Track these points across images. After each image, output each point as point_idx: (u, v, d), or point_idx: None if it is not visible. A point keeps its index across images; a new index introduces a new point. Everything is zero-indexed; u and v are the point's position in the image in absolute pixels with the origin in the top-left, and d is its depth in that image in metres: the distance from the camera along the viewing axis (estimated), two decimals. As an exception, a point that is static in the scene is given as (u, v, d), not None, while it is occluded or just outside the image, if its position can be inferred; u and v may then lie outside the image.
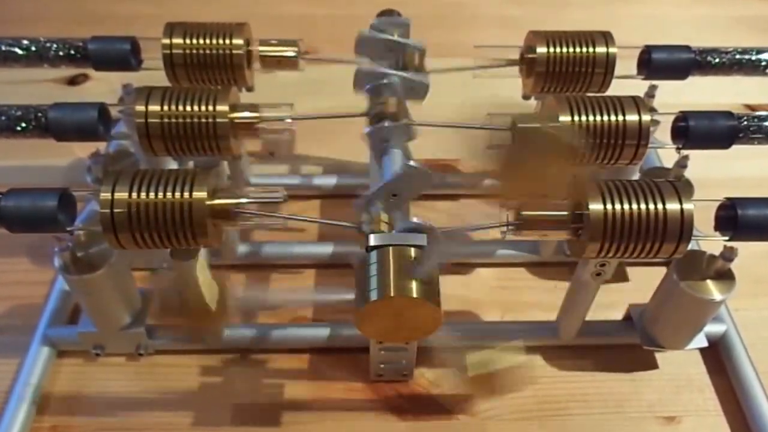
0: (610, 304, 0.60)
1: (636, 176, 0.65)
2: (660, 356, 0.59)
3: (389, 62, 0.56)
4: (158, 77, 0.58)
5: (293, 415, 0.56)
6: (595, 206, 0.45)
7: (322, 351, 0.59)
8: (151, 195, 0.44)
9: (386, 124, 0.51)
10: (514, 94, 0.61)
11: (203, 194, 0.44)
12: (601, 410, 0.56)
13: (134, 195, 0.44)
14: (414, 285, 0.42)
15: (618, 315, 0.60)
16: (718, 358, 0.59)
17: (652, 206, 0.45)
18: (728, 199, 0.48)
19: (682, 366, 0.59)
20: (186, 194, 0.44)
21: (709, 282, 0.51)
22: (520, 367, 0.58)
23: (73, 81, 0.86)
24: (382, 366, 0.56)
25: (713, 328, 0.59)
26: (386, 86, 0.54)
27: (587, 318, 0.56)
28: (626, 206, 0.45)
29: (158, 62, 0.58)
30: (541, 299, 0.63)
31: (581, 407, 0.56)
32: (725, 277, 0.51)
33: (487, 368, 0.55)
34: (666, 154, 0.70)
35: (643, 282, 0.63)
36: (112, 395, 0.56)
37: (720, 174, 0.65)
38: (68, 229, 0.46)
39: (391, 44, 0.56)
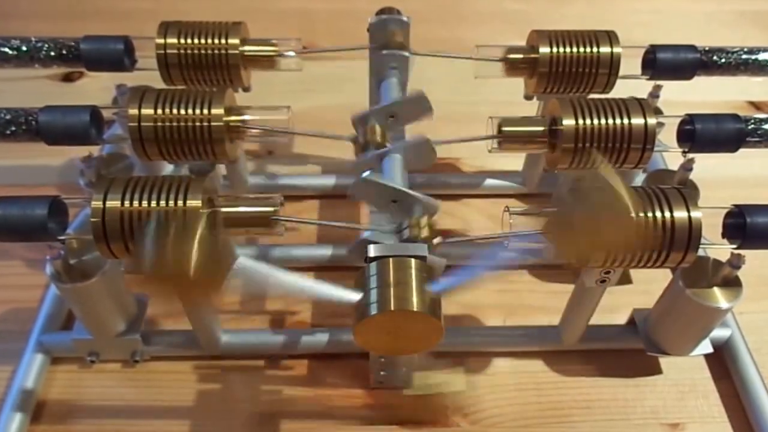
0: (613, 306, 0.59)
1: (640, 179, 0.64)
2: (664, 361, 0.58)
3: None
4: (153, 76, 0.57)
5: (292, 422, 0.55)
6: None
7: (322, 357, 0.58)
8: (144, 203, 0.43)
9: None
10: (516, 93, 0.60)
11: (197, 202, 0.43)
12: (605, 417, 0.55)
13: (127, 203, 0.43)
14: (415, 298, 0.41)
15: (621, 318, 0.59)
16: (723, 363, 0.58)
17: (659, 214, 0.43)
18: (736, 206, 0.47)
19: (686, 371, 0.58)
20: (180, 203, 0.43)
21: (715, 289, 0.50)
22: (522, 374, 0.57)
23: (68, 77, 0.84)
24: (382, 373, 0.55)
25: (718, 332, 0.58)
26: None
27: (590, 322, 0.55)
28: (633, 214, 0.44)
29: (153, 61, 0.57)
30: (543, 303, 0.62)
31: (584, 414, 0.55)
32: (732, 284, 0.50)
33: (430, 391, 0.55)
34: (669, 154, 0.69)
35: (647, 283, 0.62)
36: (107, 402, 0.56)
37: (722, 173, 0.64)
38: (59, 237, 0.45)
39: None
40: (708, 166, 0.56)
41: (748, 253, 0.49)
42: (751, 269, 0.50)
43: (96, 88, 0.78)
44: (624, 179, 0.42)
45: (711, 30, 0.95)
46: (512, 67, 0.59)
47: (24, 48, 0.58)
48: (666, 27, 0.95)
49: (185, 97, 0.50)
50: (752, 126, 0.52)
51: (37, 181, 0.72)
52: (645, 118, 0.49)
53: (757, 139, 0.52)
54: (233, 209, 0.45)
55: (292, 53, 0.60)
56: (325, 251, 0.64)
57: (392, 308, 0.41)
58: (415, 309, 0.41)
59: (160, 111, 0.49)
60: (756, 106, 0.83)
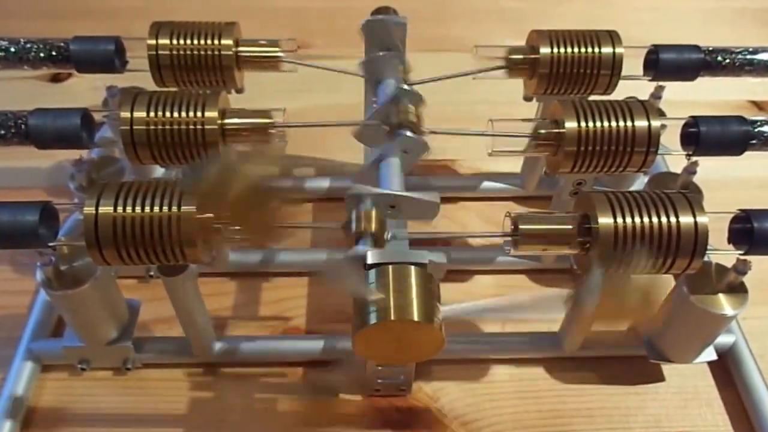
0: (614, 312, 0.58)
1: (642, 182, 0.63)
2: (666, 368, 0.57)
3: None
4: (143, 76, 0.56)
5: (287, 430, 0.54)
6: (605, 220, 0.43)
7: (317, 364, 0.57)
8: (138, 209, 0.42)
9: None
10: (515, 94, 0.59)
11: (192, 208, 0.42)
12: (606, 425, 0.54)
13: (119, 209, 0.42)
14: (415, 307, 0.40)
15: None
16: (727, 370, 0.57)
17: (664, 219, 0.43)
18: (742, 210, 0.46)
19: (689, 378, 0.57)
20: (174, 208, 0.42)
21: (720, 296, 0.49)
22: (521, 381, 0.56)
23: (55, 78, 0.83)
24: (379, 381, 0.54)
25: (721, 339, 0.57)
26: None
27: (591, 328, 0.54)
28: (637, 220, 0.43)
29: (144, 62, 0.56)
30: (543, 307, 0.61)
31: (585, 422, 0.54)
32: (737, 290, 0.49)
33: None
34: (669, 155, 0.68)
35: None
36: (98, 410, 0.54)
37: (725, 175, 0.63)
38: (50, 244, 0.44)
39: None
40: (710, 168, 0.55)
41: (751, 257, 0.48)
42: (754, 273, 0.49)
43: (84, 89, 0.77)
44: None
45: (710, 28, 0.94)
46: (512, 68, 0.58)
47: (12, 49, 0.56)
48: (665, 25, 0.94)
49: (178, 100, 0.49)
50: (758, 128, 0.51)
51: (24, 183, 0.70)
52: (649, 120, 0.48)
53: (763, 141, 0.51)
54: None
55: (284, 54, 0.58)
56: (319, 256, 0.63)
57: (392, 317, 0.40)
58: (415, 318, 0.40)
59: (152, 114, 0.48)
60: (758, 105, 0.82)
